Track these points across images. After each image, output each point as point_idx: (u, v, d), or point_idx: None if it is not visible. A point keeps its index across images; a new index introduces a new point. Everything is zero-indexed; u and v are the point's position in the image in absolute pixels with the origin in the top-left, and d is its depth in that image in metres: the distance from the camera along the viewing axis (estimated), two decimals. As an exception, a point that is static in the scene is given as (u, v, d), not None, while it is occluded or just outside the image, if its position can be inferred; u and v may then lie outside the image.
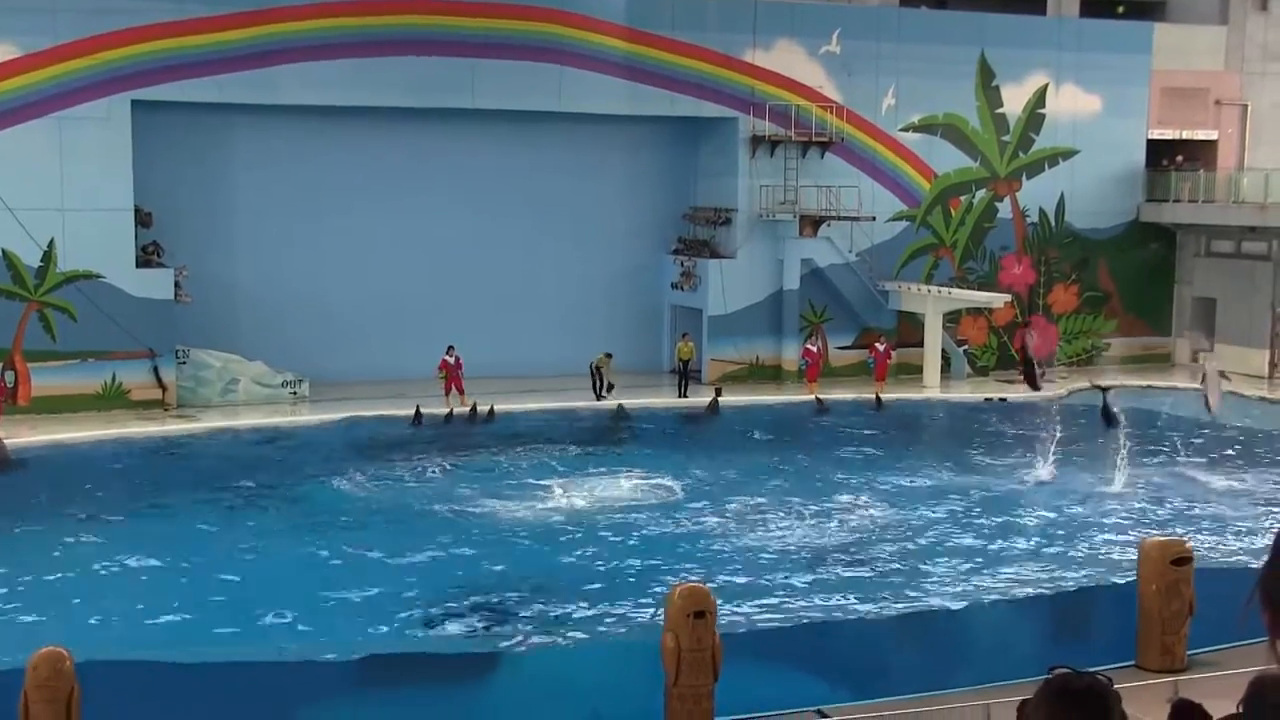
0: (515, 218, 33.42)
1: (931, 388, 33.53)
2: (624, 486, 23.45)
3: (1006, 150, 36.12)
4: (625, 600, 16.93)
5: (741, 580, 17.82)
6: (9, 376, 28.28)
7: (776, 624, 15.71)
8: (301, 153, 31.64)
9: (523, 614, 16.38)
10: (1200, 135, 38.13)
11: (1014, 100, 36.03)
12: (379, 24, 30.24)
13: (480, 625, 16.05)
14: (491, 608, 16.60)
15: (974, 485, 23.81)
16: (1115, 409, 25.27)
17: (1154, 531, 18.90)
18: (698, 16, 32.91)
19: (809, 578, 18.04)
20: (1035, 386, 29.70)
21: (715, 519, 21.25)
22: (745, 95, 33.34)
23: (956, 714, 11.14)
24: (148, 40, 28.65)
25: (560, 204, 33.82)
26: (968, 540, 20.11)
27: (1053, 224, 36.81)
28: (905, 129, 35.02)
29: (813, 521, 21.07)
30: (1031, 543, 20.06)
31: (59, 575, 17.95)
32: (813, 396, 31.77)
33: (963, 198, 35.84)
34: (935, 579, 18.01)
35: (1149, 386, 33.50)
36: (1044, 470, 24.61)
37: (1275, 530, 5.10)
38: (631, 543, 19.84)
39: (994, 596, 16.97)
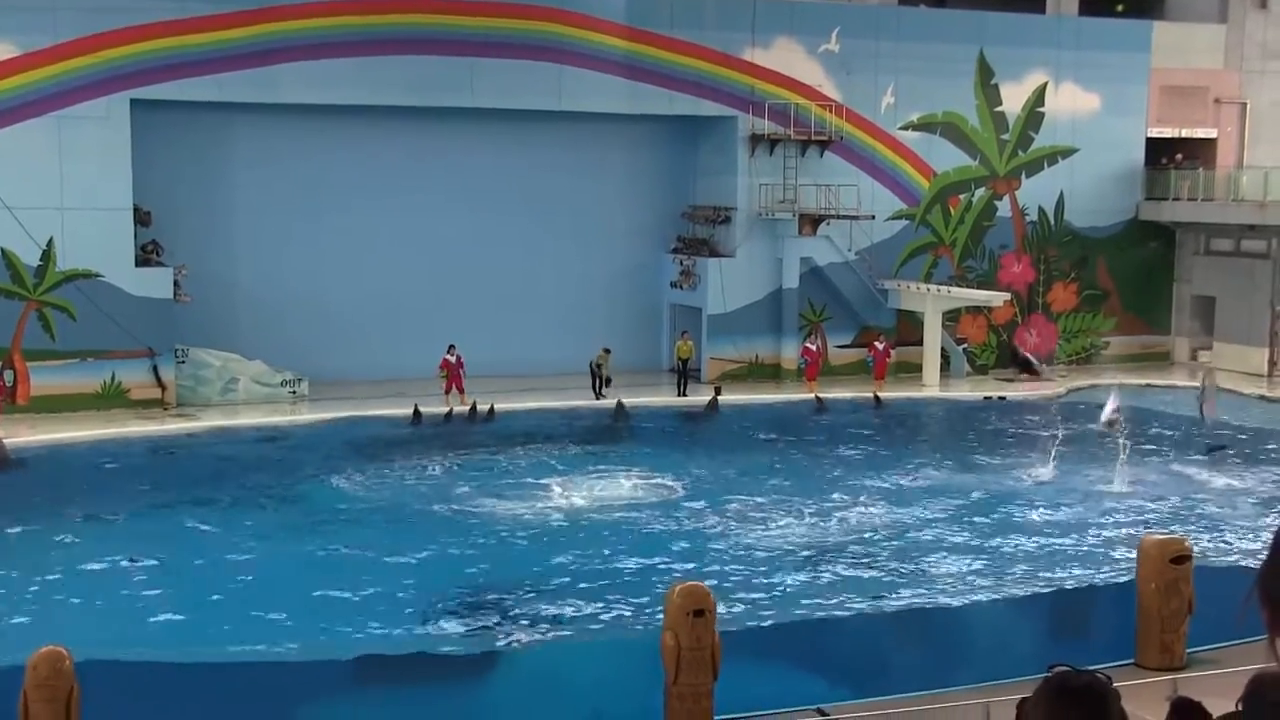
0: (515, 216, 33.41)
1: (931, 386, 33.53)
2: (623, 485, 23.42)
3: (1006, 149, 36.11)
4: (624, 599, 16.92)
5: (741, 578, 17.81)
6: (8, 376, 28.27)
7: (776, 622, 15.68)
8: (301, 151, 31.63)
9: (522, 613, 16.36)
10: (1199, 133, 38.14)
11: (1013, 99, 36.03)
12: (379, 23, 30.25)
13: (479, 624, 16.04)
14: (490, 606, 16.59)
15: (973, 484, 23.79)
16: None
17: (1153, 529, 18.91)
18: (697, 15, 32.91)
19: (808, 576, 18.04)
20: (1038, 374, 29.74)
21: (714, 518, 21.23)
22: (744, 94, 33.33)
23: (956, 712, 11.14)
24: (147, 39, 28.66)
25: (560, 203, 33.81)
26: (967, 539, 20.10)
27: (1052, 222, 36.79)
28: (904, 127, 35.01)
29: (812, 520, 21.06)
30: (1031, 541, 20.05)
31: (58, 575, 17.94)
32: (812, 395, 31.78)
33: (962, 196, 35.83)
34: (935, 577, 18.01)
35: (1148, 385, 33.52)
36: (1043, 469, 24.62)
37: (1274, 528, 5.10)
38: (631, 541, 19.83)
39: (993, 595, 16.97)
